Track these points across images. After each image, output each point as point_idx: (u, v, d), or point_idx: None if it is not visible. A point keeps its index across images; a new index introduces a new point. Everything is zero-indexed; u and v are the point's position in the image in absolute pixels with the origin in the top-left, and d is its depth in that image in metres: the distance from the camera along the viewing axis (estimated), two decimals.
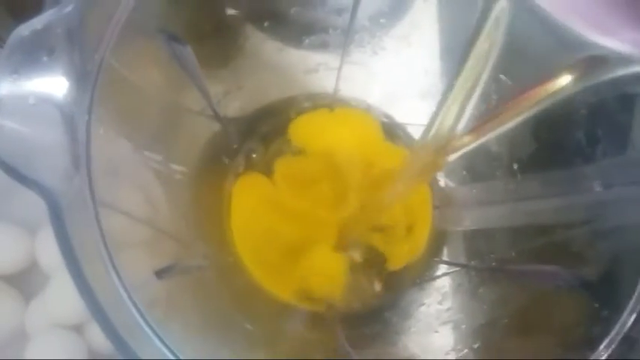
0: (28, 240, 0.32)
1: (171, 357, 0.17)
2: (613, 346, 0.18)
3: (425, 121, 0.33)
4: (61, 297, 0.31)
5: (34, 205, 0.31)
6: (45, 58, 0.17)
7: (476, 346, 0.25)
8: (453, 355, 0.25)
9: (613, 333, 0.18)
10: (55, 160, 0.17)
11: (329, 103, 0.35)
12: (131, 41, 0.21)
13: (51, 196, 0.16)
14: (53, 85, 0.18)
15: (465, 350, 0.25)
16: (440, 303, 0.30)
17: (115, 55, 0.19)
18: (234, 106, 0.32)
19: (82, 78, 0.18)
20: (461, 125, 0.21)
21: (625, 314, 0.18)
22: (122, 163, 0.21)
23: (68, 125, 0.18)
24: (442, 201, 0.33)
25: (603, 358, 0.18)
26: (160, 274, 0.20)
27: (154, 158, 0.25)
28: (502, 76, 0.20)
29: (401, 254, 0.32)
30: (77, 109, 0.18)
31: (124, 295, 0.17)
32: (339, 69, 0.33)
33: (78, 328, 0.31)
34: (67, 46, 0.18)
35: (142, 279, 0.20)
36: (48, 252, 0.32)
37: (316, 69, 0.34)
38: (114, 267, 0.17)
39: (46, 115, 0.17)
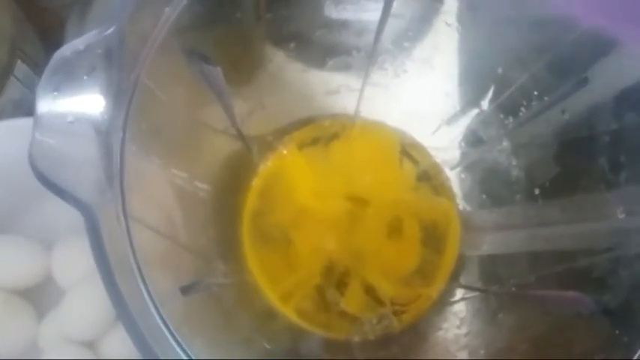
0: (44, 255, 0.32)
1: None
2: None
3: (445, 143, 0.34)
4: (76, 313, 0.31)
5: (50, 219, 0.33)
6: (85, 77, 0.18)
7: None
8: None
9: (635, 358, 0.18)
10: (90, 175, 0.18)
11: (350, 123, 0.35)
12: (164, 61, 0.21)
13: (87, 209, 0.17)
14: (91, 103, 0.19)
15: None
16: (458, 328, 0.30)
17: (149, 74, 0.20)
18: (257, 125, 0.33)
19: (118, 97, 0.19)
20: None
21: None
22: (151, 180, 0.22)
23: (103, 142, 0.18)
24: (461, 225, 0.33)
25: None
26: (185, 290, 0.21)
27: (181, 175, 0.25)
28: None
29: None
30: (112, 127, 0.19)
31: (152, 309, 0.18)
32: (361, 90, 0.34)
33: (91, 345, 0.31)
34: (106, 66, 0.19)
35: (167, 294, 0.20)
36: (63, 267, 0.32)
37: (338, 90, 0.34)
38: (143, 280, 0.18)
39: (83, 132, 0.18)
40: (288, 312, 0.32)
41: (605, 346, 0.20)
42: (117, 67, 0.19)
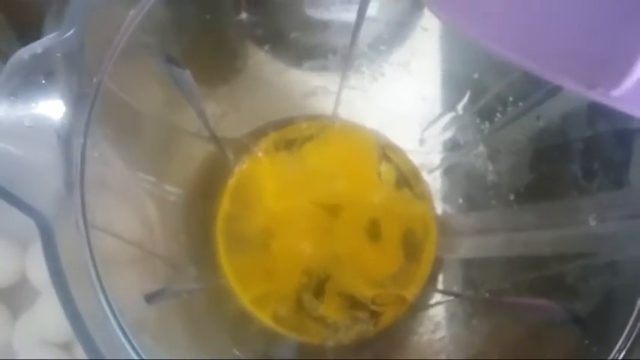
0: (19, 255, 0.32)
1: None
2: None
3: (423, 147, 0.34)
4: (51, 314, 0.30)
5: (25, 220, 0.32)
6: (43, 82, 0.17)
7: None
8: None
9: None
10: (48, 183, 0.17)
11: (327, 125, 0.35)
12: (129, 64, 0.21)
13: (42, 219, 0.16)
14: (50, 108, 0.18)
15: None
16: (432, 332, 0.30)
17: (113, 78, 0.20)
18: (231, 127, 0.32)
19: (79, 101, 0.19)
20: None
21: (614, 352, 0.18)
22: (116, 185, 0.21)
23: (63, 148, 0.18)
24: (438, 229, 0.33)
25: None
26: (149, 298, 0.20)
27: (148, 179, 0.25)
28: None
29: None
30: (73, 132, 0.18)
31: (112, 319, 0.17)
32: (338, 93, 0.33)
33: (66, 346, 0.31)
34: (66, 70, 0.18)
35: (131, 302, 0.20)
36: (38, 268, 0.31)
37: (315, 92, 0.34)
38: (103, 290, 0.17)
39: (41, 137, 0.17)
40: (263, 316, 0.32)
41: (575, 354, 0.20)
42: (77, 71, 0.18)
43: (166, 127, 0.27)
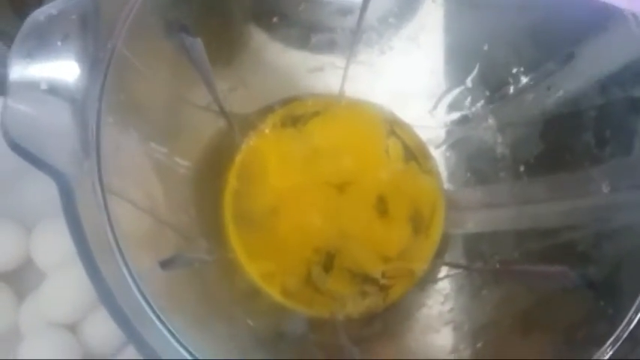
0: (24, 237, 0.32)
1: (175, 344, 0.17)
2: (618, 345, 0.18)
3: (430, 121, 0.34)
4: (56, 296, 0.30)
5: (29, 201, 0.32)
6: (59, 44, 0.17)
7: (478, 345, 0.25)
8: (455, 355, 0.25)
9: (618, 331, 0.18)
10: (66, 144, 0.17)
11: (334, 101, 0.35)
12: (143, 31, 0.21)
13: (62, 178, 0.16)
14: (65, 71, 0.18)
15: (468, 350, 0.25)
16: (442, 304, 0.30)
17: (127, 44, 0.20)
18: (239, 103, 0.32)
19: (94, 65, 0.19)
20: None
21: (630, 313, 0.18)
22: (129, 153, 0.21)
23: (79, 111, 0.18)
24: (447, 203, 0.33)
25: (608, 356, 0.18)
26: (164, 264, 0.20)
27: (160, 150, 0.24)
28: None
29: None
30: (88, 97, 0.18)
31: (130, 282, 0.17)
32: (346, 68, 0.33)
33: (72, 328, 0.31)
34: (81, 33, 0.18)
35: (146, 268, 0.20)
36: (44, 249, 0.31)
37: (322, 68, 0.34)
38: (121, 253, 0.17)
39: (57, 100, 0.17)
40: (272, 291, 0.32)
41: (590, 319, 0.20)
42: (92, 34, 0.18)
43: (177, 99, 0.27)
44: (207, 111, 0.30)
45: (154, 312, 0.17)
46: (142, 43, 0.21)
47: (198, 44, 0.23)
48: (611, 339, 0.18)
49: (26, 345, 0.30)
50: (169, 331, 0.17)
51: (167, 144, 0.26)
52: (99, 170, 0.18)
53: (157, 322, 0.17)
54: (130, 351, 0.31)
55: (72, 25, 0.18)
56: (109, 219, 0.18)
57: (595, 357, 0.18)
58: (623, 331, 0.18)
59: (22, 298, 0.32)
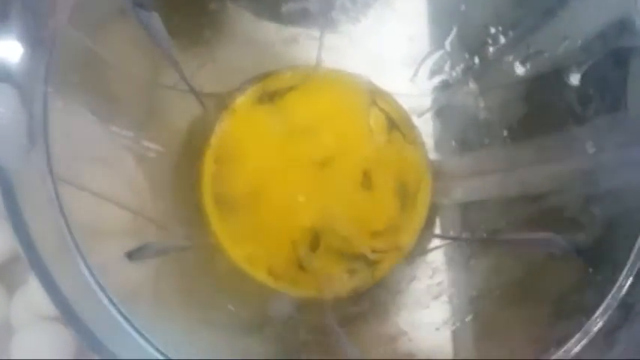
0: (9, 231, 0.31)
1: (143, 343, 0.16)
2: (609, 313, 0.17)
3: (411, 89, 0.33)
4: None
5: None
6: None
7: (468, 319, 0.24)
8: (445, 330, 0.24)
9: (609, 298, 0.17)
10: (7, 134, 0.16)
11: (312, 73, 0.33)
12: (92, 7, 0.19)
13: (3, 175, 0.15)
14: (6, 52, 0.17)
15: (457, 324, 0.24)
16: (430, 277, 0.29)
17: (74, 20, 0.18)
18: (209, 81, 0.31)
19: (37, 45, 0.17)
20: None
21: (621, 278, 0.17)
22: (87, 139, 0.20)
23: (23, 97, 0.17)
24: (432, 173, 0.32)
25: (597, 327, 0.17)
26: (131, 255, 0.19)
27: (124, 134, 0.23)
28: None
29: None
30: (33, 80, 0.17)
31: (90, 280, 0.16)
32: (321, 38, 0.32)
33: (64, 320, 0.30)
34: (21, 11, 0.17)
35: (115, 264, 0.19)
36: None
37: (296, 39, 0.32)
38: (79, 250, 0.16)
39: None
40: (257, 273, 0.31)
41: (580, 285, 0.20)
42: (32, 12, 0.17)
43: (142, 79, 0.26)
44: (175, 91, 0.29)
45: (117, 309, 0.16)
46: (92, 18, 0.20)
47: (155, 19, 0.22)
48: (602, 307, 0.17)
49: (18, 339, 0.30)
50: (134, 328, 0.16)
51: (132, 127, 0.24)
52: (48, 160, 0.16)
53: (121, 320, 0.16)
54: None
55: (11, 3, 0.16)
56: (61, 211, 0.16)
57: (584, 328, 0.17)
58: (614, 298, 0.17)
59: (11, 292, 0.31)
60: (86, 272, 0.17)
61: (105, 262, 0.17)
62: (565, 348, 0.17)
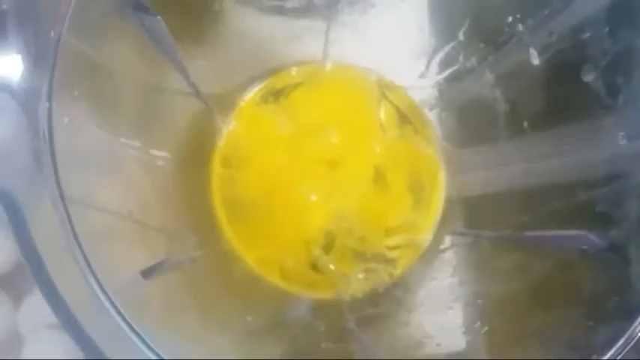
0: (12, 240, 0.30)
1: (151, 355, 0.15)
2: None
3: (423, 81, 0.32)
4: None
5: None
6: None
7: (496, 322, 0.23)
8: (471, 334, 0.23)
9: None
10: (12, 157, 0.15)
11: (318, 69, 0.32)
12: (93, 15, 0.18)
13: (9, 199, 0.14)
14: (6, 69, 0.16)
15: (485, 328, 0.23)
16: (452, 276, 0.28)
17: (74, 31, 0.17)
18: (215, 82, 0.30)
19: (39, 60, 0.16)
20: None
21: None
22: (95, 154, 0.19)
23: (26, 115, 0.16)
24: (447, 167, 0.31)
25: None
26: (146, 273, 0.18)
27: (132, 144, 0.22)
28: None
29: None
30: (36, 97, 0.16)
31: (106, 302, 0.15)
32: (327, 32, 0.31)
33: None
34: (19, 25, 0.16)
35: (127, 281, 0.18)
36: None
37: (301, 35, 0.31)
38: (92, 272, 0.15)
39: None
40: (272, 277, 0.30)
41: (617, 286, 0.19)
42: (31, 25, 0.16)
43: (146, 85, 0.25)
44: (181, 95, 0.28)
45: (133, 330, 0.15)
46: (94, 27, 0.19)
47: (159, 23, 0.21)
48: None
49: (29, 349, 0.29)
50: (151, 349, 0.15)
51: (139, 137, 0.24)
52: (57, 181, 0.15)
53: (138, 342, 0.15)
54: None
55: (6, 16, 0.15)
56: (74, 234, 0.15)
57: (628, 333, 0.16)
58: None
59: (19, 302, 0.30)
60: (95, 285, 0.16)
61: (114, 275, 0.17)
62: (609, 355, 0.16)
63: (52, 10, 0.17)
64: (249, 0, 0.30)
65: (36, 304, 0.30)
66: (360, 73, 0.32)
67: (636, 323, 0.17)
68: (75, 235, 0.15)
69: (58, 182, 0.15)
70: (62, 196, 0.15)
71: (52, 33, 0.16)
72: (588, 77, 0.22)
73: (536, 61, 0.25)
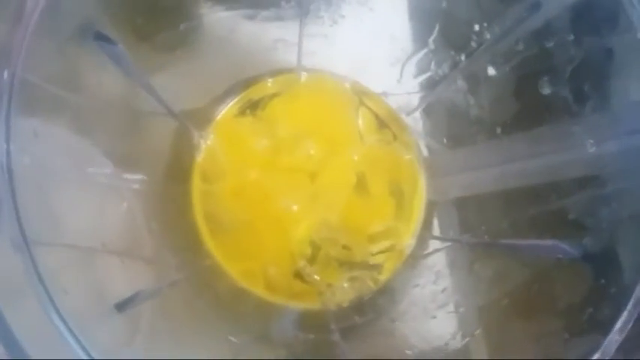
0: None
1: None
2: (629, 327, 0.16)
3: (398, 88, 0.32)
4: None
5: None
6: None
7: (477, 332, 0.23)
8: (454, 344, 0.23)
9: (625, 313, 0.16)
10: None
11: (293, 79, 0.32)
12: (49, 49, 0.18)
13: None
14: None
15: (467, 338, 0.23)
16: (434, 283, 0.28)
17: (29, 68, 0.17)
18: (190, 98, 0.29)
19: None
20: None
21: (636, 291, 0.16)
22: (60, 189, 0.19)
23: None
24: (427, 171, 0.31)
25: (617, 345, 0.16)
26: (120, 306, 0.18)
27: (102, 172, 0.22)
28: None
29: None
30: None
31: (75, 345, 0.15)
32: (299, 43, 0.30)
33: None
34: None
35: (102, 316, 0.18)
36: None
37: (274, 46, 0.31)
38: (59, 314, 0.15)
39: None
40: (257, 290, 0.30)
41: (592, 297, 0.19)
42: None
43: (116, 110, 0.25)
44: (155, 115, 0.27)
45: None
46: (51, 61, 0.18)
47: (119, 51, 0.20)
48: (620, 322, 0.16)
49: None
50: None
51: (110, 163, 0.23)
52: (19, 225, 0.15)
53: None
54: None
55: None
56: (38, 276, 0.15)
57: (603, 345, 0.16)
58: (631, 312, 0.16)
59: None
60: (62, 327, 0.15)
61: (84, 313, 0.16)
62: None
63: (4, 48, 0.16)
64: (221, 14, 0.29)
65: None
66: (335, 81, 0.32)
67: (610, 335, 0.16)
68: (39, 277, 0.15)
69: (20, 226, 0.15)
70: (26, 240, 0.15)
71: (5, 73, 0.16)
72: (556, 85, 0.22)
73: (506, 66, 0.25)
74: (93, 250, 0.19)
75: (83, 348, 0.15)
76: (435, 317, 0.26)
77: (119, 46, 0.20)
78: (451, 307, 0.26)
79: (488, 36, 0.25)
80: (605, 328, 0.16)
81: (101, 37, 0.20)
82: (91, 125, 0.22)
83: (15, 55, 0.16)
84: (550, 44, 0.22)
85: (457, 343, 0.23)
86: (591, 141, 0.20)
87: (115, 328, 0.18)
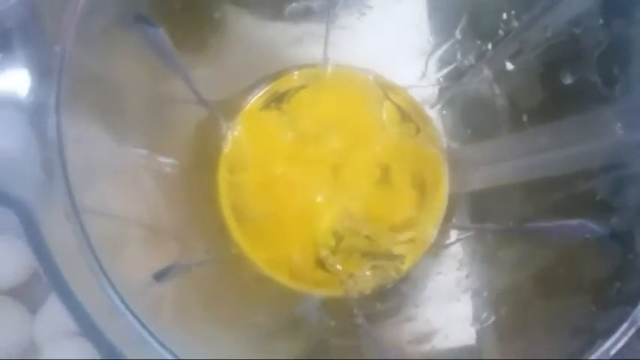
0: (27, 251, 0.31)
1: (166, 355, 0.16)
2: None
3: (422, 80, 0.32)
4: None
5: None
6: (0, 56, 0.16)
7: (502, 313, 0.23)
8: (478, 325, 0.24)
9: None
10: (24, 169, 0.16)
11: (319, 72, 0.33)
12: (96, 28, 0.19)
13: (23, 210, 0.15)
14: (13, 85, 0.16)
15: (492, 318, 0.23)
16: (457, 270, 0.28)
17: (79, 45, 0.18)
18: (219, 89, 0.30)
19: (45, 75, 0.17)
20: None
21: None
22: (104, 163, 0.20)
23: (35, 129, 0.16)
24: (450, 164, 0.31)
25: None
26: (159, 276, 0.19)
27: (140, 153, 0.23)
28: None
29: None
30: (44, 111, 0.17)
31: (121, 306, 0.16)
32: (326, 36, 0.31)
33: None
34: (23, 41, 0.16)
35: (140, 285, 0.19)
36: None
37: (301, 39, 0.32)
38: (107, 278, 0.16)
39: (7, 119, 0.16)
40: (281, 278, 0.30)
41: (620, 273, 0.19)
42: (36, 40, 0.16)
43: (151, 95, 0.25)
44: (186, 103, 0.28)
45: (149, 332, 0.16)
46: (98, 40, 0.19)
47: (160, 35, 0.21)
48: None
49: (45, 357, 0.29)
50: (167, 349, 0.16)
51: (147, 145, 0.24)
52: (69, 191, 0.16)
53: (154, 343, 0.16)
54: None
55: (10, 34, 0.16)
56: (88, 242, 0.16)
57: (631, 317, 0.16)
58: None
59: (34, 311, 0.31)
60: (110, 290, 0.16)
61: (127, 279, 0.17)
62: (612, 339, 0.17)
63: (56, 25, 0.17)
64: (249, 7, 0.30)
65: (51, 314, 0.30)
66: (359, 74, 0.33)
67: (638, 308, 0.17)
68: (88, 243, 0.16)
69: (69, 192, 0.16)
70: (74, 206, 0.16)
71: (57, 47, 0.17)
72: (584, 70, 0.22)
73: (534, 54, 0.25)
74: (131, 222, 0.20)
75: (130, 310, 0.16)
76: (459, 301, 0.27)
77: (160, 30, 0.21)
78: (475, 291, 0.26)
79: (516, 24, 0.25)
80: (634, 299, 0.17)
81: (141, 20, 0.20)
82: (130, 107, 0.23)
83: (65, 32, 0.17)
84: (578, 30, 0.22)
85: (482, 323, 0.24)
86: (620, 124, 0.20)
87: (153, 297, 0.19)
